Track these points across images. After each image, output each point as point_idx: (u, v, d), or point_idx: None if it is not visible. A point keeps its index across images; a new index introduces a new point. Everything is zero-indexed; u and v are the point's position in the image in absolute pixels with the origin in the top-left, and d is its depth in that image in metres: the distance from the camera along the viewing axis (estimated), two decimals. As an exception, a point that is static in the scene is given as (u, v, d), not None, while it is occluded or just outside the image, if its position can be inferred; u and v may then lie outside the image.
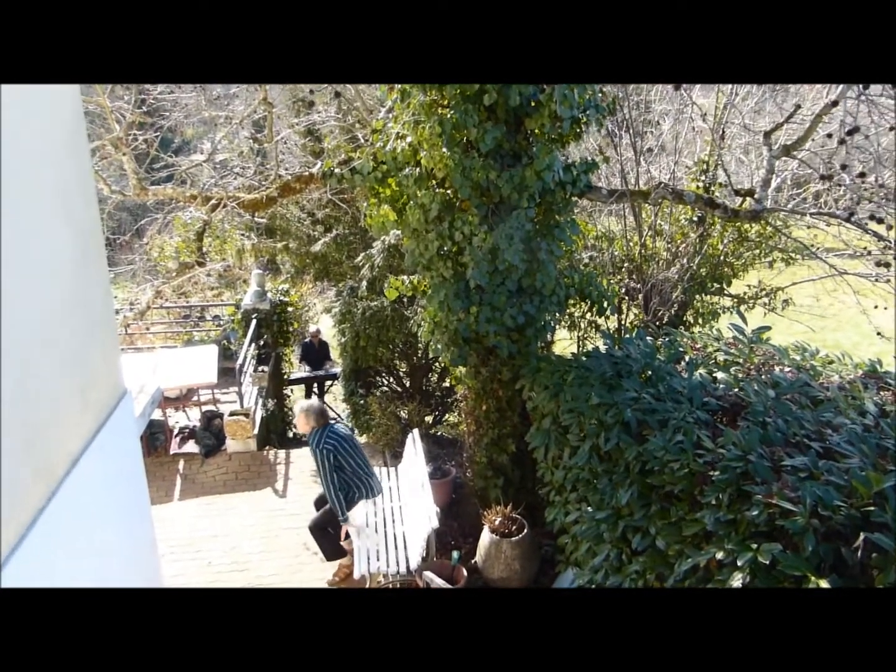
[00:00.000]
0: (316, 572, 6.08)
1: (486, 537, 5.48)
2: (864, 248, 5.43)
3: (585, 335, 7.38)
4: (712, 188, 6.41)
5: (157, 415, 8.81)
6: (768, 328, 4.74)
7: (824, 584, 2.53)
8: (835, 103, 4.11)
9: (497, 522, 5.47)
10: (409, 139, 4.87)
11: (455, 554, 5.54)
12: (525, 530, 5.42)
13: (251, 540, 6.62)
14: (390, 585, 5.57)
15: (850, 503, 2.71)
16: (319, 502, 6.09)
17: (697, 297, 7.04)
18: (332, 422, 5.65)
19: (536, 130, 4.81)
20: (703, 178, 6.46)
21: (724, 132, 5.97)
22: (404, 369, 9.15)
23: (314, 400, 5.78)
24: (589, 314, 7.01)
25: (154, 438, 8.51)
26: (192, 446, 8.50)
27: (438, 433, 8.75)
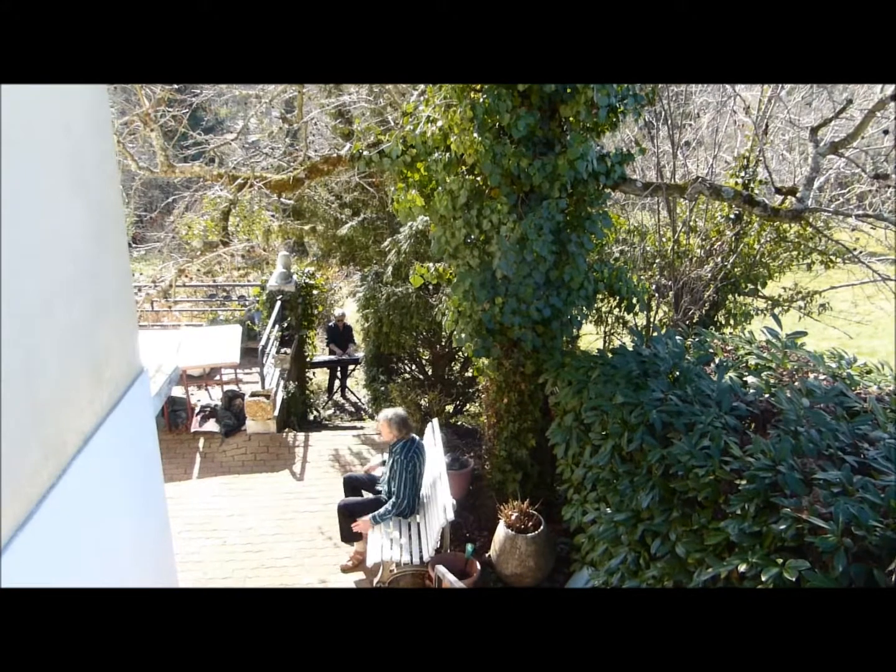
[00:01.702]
0: (329, 557, 6.06)
1: (501, 532, 5.40)
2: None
3: (612, 331, 7.23)
4: (752, 185, 6.20)
5: (179, 392, 8.85)
6: (804, 333, 4.57)
7: (854, 606, 2.40)
8: (895, 97, 3.90)
9: (513, 517, 5.39)
10: (439, 123, 4.76)
11: (469, 547, 5.47)
12: (541, 527, 5.33)
13: (267, 521, 6.62)
14: (402, 576, 5.52)
15: (886, 523, 2.57)
16: (349, 484, 6.08)
17: (730, 297, 6.85)
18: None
19: (571, 118, 4.67)
20: (742, 174, 6.25)
21: (767, 127, 5.76)
22: (427, 357, 9.08)
23: (399, 409, 5.83)
24: (617, 310, 6.86)
25: (175, 415, 8.55)
26: (212, 425, 8.52)
27: (458, 423, 8.67)
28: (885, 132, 4.14)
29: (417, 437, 5.77)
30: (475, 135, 4.45)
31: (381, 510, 5.57)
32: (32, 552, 2.31)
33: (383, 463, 5.87)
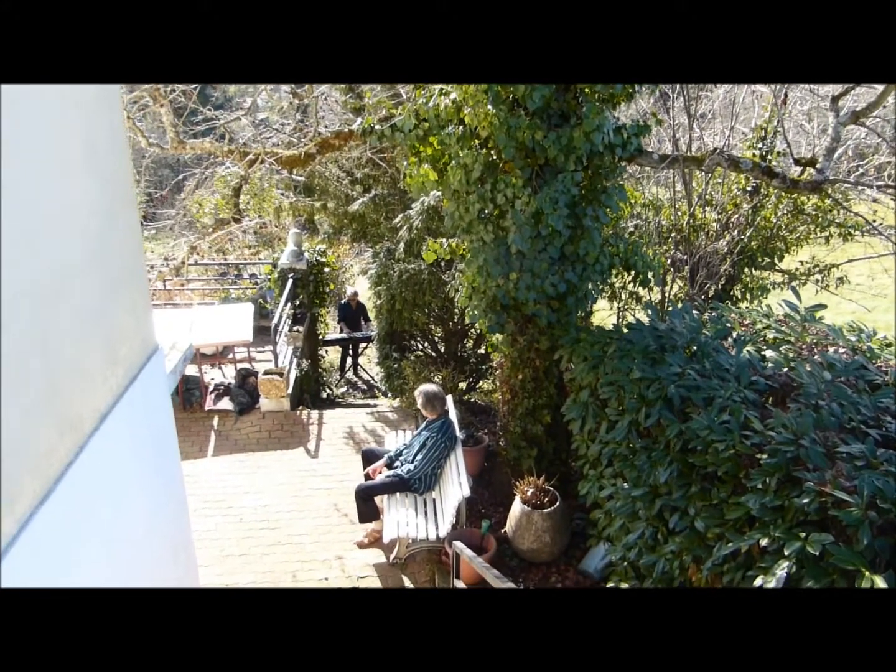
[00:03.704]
0: (345, 533, 6.10)
1: (517, 508, 5.41)
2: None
3: (626, 306, 7.18)
4: (770, 157, 6.09)
5: (193, 371, 8.89)
6: (823, 306, 4.51)
7: (878, 580, 2.38)
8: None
9: (529, 493, 5.39)
10: (452, 95, 4.67)
11: (485, 523, 5.49)
12: (557, 502, 5.33)
13: (282, 499, 6.66)
14: (417, 552, 5.55)
15: (912, 496, 2.54)
16: (367, 458, 6.13)
17: (746, 271, 6.76)
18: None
19: (587, 89, 4.58)
20: (760, 145, 6.14)
21: (786, 96, 5.63)
22: (439, 334, 9.05)
23: (437, 387, 5.93)
24: (631, 285, 6.79)
25: (190, 394, 8.59)
26: (226, 403, 8.56)
27: (472, 400, 8.67)
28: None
29: (450, 417, 5.89)
30: (489, 107, 4.38)
31: (398, 469, 5.76)
32: (52, 530, 2.31)
33: (389, 465, 5.90)
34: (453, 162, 4.80)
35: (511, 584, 3.72)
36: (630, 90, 4.72)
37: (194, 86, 5.74)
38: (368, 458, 6.11)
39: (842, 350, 4.29)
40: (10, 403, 2.05)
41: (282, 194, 10.01)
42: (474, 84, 4.29)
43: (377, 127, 5.10)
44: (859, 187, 5.79)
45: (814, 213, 6.73)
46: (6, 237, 2.03)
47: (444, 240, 5.94)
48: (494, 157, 4.78)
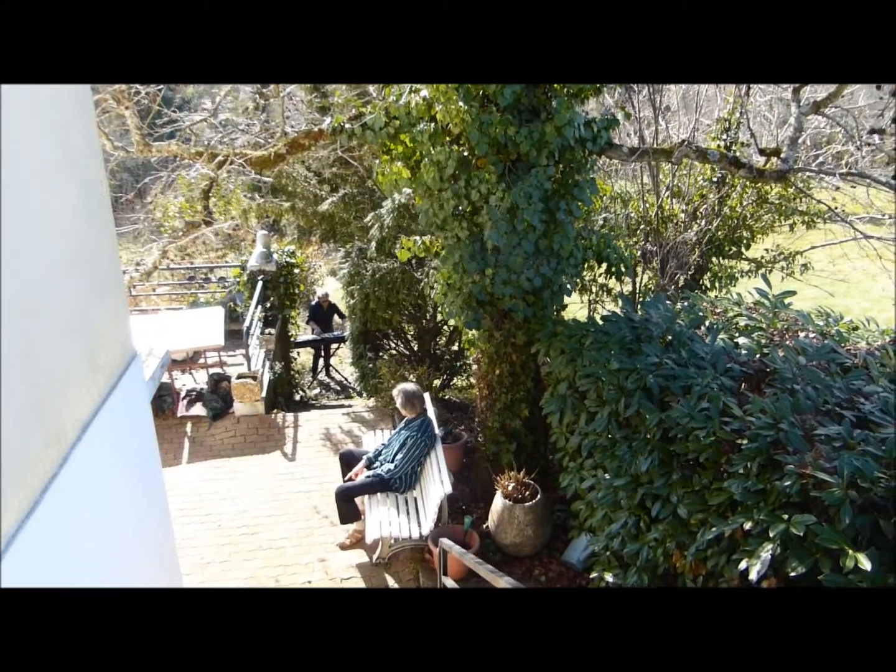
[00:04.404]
0: (326, 535, 6.06)
1: (498, 502, 5.44)
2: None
3: (597, 299, 7.25)
4: (734, 147, 6.20)
5: (163, 377, 8.74)
6: (793, 293, 4.62)
7: (861, 557, 2.45)
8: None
9: (510, 487, 5.42)
10: (423, 93, 4.66)
11: (467, 519, 5.50)
12: (538, 496, 5.37)
13: (261, 503, 6.59)
14: (400, 551, 5.55)
15: (890, 474, 2.62)
16: (345, 460, 6.10)
17: (714, 260, 6.89)
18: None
19: (556, 84, 4.61)
20: (724, 136, 6.25)
21: (749, 87, 5.74)
22: (412, 332, 9.04)
23: (415, 386, 5.95)
24: (601, 277, 6.87)
25: (161, 401, 8.45)
26: (199, 409, 8.44)
27: (447, 397, 8.68)
28: (878, 87, 4.14)
29: (429, 416, 5.92)
30: (461, 103, 4.38)
31: (379, 468, 5.77)
32: (38, 544, 2.26)
33: (368, 465, 5.90)
34: (426, 159, 4.80)
35: (509, 578, 3.73)
36: (599, 85, 4.77)
37: (159, 87, 5.63)
38: (347, 460, 6.08)
39: (811, 335, 4.40)
40: (3, 412, 2.01)
41: (247, 196, 9.89)
42: (474, 83, 4.29)
43: (347, 126, 5.06)
44: (821, 175, 5.93)
45: (777, 201, 6.88)
46: (4, 239, 1.99)
47: (416, 237, 5.93)
48: (467, 154, 4.79)
